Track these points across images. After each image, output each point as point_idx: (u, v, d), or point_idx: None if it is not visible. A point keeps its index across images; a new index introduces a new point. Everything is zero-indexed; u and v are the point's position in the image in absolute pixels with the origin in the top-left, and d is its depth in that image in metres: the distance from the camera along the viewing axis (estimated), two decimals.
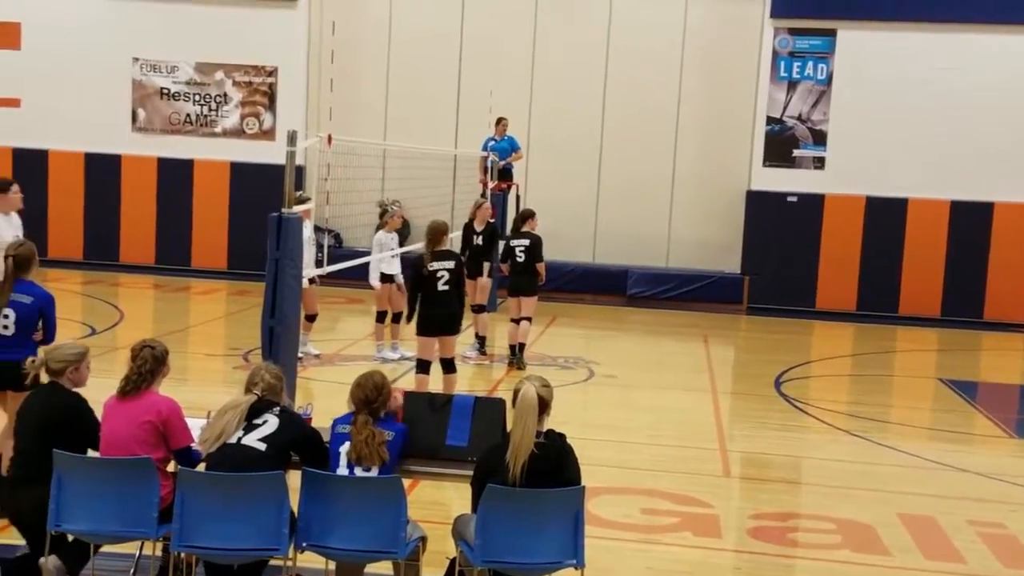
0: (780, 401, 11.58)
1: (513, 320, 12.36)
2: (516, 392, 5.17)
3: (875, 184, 17.95)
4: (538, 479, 5.02)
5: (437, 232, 9.45)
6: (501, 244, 13.10)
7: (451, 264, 9.36)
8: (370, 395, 5.33)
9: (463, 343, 11.83)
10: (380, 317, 12.45)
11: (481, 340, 12.92)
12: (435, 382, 9.57)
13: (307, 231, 10.51)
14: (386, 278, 12.23)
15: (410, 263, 9.74)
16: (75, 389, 5.66)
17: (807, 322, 17.51)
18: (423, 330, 9.46)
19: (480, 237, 13.17)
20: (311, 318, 11.87)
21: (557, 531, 5.07)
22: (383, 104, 19.54)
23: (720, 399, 11.67)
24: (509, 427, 5.25)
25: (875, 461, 9.55)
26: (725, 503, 7.96)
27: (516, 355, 12.25)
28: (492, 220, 13.61)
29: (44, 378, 5.77)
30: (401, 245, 17.44)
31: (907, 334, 16.96)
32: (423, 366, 9.56)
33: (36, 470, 5.32)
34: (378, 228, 12.79)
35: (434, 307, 9.34)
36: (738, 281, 18.55)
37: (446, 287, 9.32)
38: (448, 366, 9.67)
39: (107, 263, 19.18)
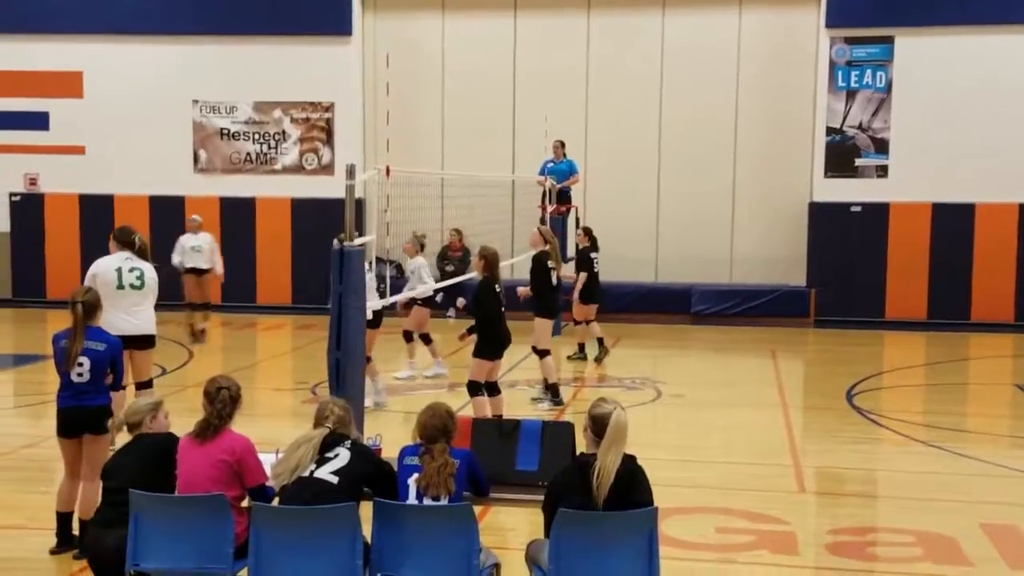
0: (853, 414, 11.39)
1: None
2: (600, 417, 5.11)
3: (940, 190, 17.66)
4: (612, 502, 4.98)
5: (497, 258, 9.59)
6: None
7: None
8: (447, 424, 5.34)
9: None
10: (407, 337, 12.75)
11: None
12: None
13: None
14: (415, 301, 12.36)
15: (471, 288, 9.75)
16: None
17: (877, 333, 17.24)
18: (491, 353, 9.51)
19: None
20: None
21: (631, 553, 5.02)
22: (439, 133, 19.68)
23: (791, 414, 11.50)
24: (579, 449, 5.22)
25: (953, 471, 9.33)
26: (801, 519, 7.83)
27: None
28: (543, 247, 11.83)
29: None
30: (463, 272, 17.58)
31: (980, 341, 16.60)
32: (480, 388, 9.55)
33: (124, 512, 5.41)
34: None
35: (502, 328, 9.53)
36: (804, 294, 18.33)
37: (503, 309, 9.52)
38: (495, 388, 9.73)
39: (173, 303, 19.46)
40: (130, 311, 8.78)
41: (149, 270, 9.03)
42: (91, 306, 6.80)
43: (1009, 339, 16.56)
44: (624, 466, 5.07)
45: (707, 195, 18.97)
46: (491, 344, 9.50)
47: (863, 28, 17.97)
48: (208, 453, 5.45)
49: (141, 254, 9.01)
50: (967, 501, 8.41)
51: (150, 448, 5.75)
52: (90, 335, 6.72)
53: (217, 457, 5.43)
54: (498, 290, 9.49)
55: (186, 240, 15.78)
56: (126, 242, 8.99)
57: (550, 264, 11.52)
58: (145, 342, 8.99)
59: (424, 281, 12.02)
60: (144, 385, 9.14)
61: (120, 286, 8.77)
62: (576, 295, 14.20)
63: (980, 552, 7.08)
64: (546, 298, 11.57)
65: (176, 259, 15.56)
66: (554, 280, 11.64)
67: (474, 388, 9.57)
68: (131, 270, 8.88)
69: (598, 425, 5.09)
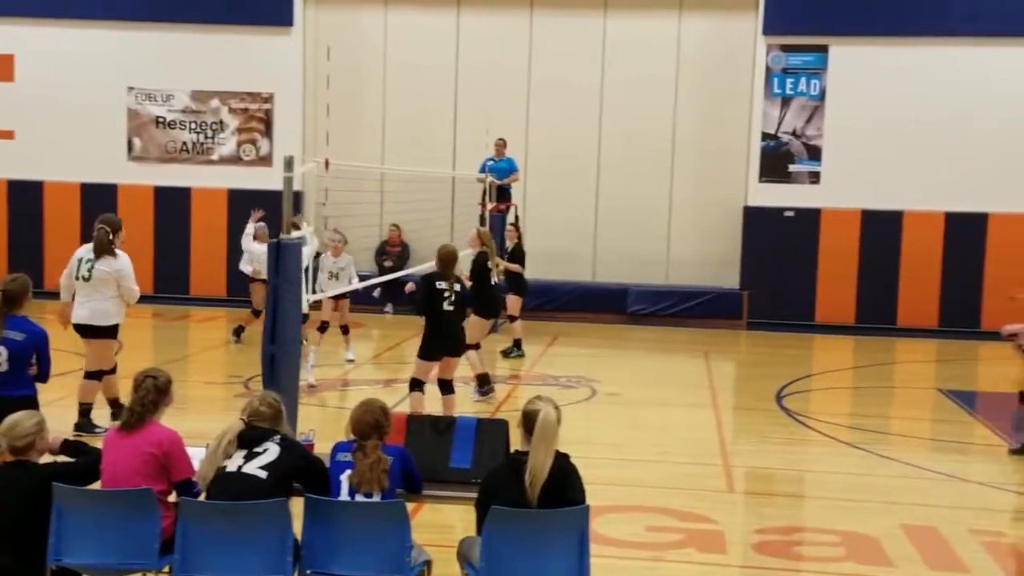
0: (782, 415, 11.58)
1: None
2: (531, 414, 5.14)
3: (870, 197, 18.00)
4: (545, 500, 5.03)
5: (452, 257, 9.58)
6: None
7: (457, 287, 9.53)
8: (380, 419, 5.33)
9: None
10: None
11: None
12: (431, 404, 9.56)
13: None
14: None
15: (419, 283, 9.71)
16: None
17: (807, 336, 17.52)
18: (430, 353, 9.48)
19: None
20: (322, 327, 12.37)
21: (562, 551, 5.07)
22: (380, 128, 19.59)
23: (722, 414, 11.67)
24: (513, 447, 5.25)
25: (877, 473, 9.54)
26: (730, 519, 7.95)
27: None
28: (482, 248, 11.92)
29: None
30: (401, 268, 17.55)
31: (906, 345, 16.96)
32: (420, 384, 9.55)
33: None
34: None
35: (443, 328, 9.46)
36: (737, 296, 18.57)
37: (451, 308, 9.45)
38: (448, 387, 9.69)
39: None
40: (81, 301, 9.33)
41: (103, 263, 9.26)
42: (12, 295, 6.67)
43: (933, 344, 16.94)
44: (557, 464, 5.11)
45: (645, 196, 19.12)
46: (431, 344, 9.47)
47: (799, 36, 18.22)
48: (134, 445, 5.36)
49: (98, 246, 9.34)
50: (889, 502, 8.60)
51: (35, 479, 5.24)
52: (10, 324, 6.60)
53: (144, 450, 5.34)
54: (440, 288, 9.42)
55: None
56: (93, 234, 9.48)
57: (489, 265, 11.56)
58: (91, 332, 9.38)
59: (353, 278, 12.53)
60: (90, 375, 9.56)
61: (78, 277, 9.33)
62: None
63: (901, 552, 7.26)
64: (485, 299, 11.54)
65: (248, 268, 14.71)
66: (493, 280, 11.71)
67: (414, 384, 9.55)
68: (87, 261, 9.32)
69: (529, 422, 5.13)
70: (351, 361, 13.52)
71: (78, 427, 9.33)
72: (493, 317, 12.23)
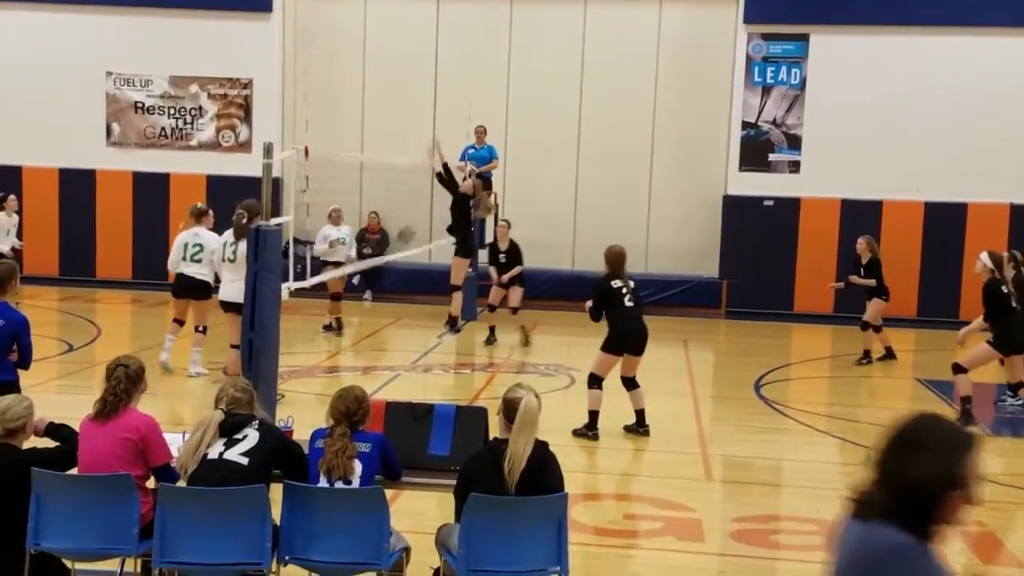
0: (760, 404, 11.64)
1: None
2: (512, 401, 5.15)
3: (850, 187, 18.07)
4: (524, 487, 5.03)
5: (622, 256, 9.90)
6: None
7: (632, 283, 9.84)
8: (351, 407, 5.32)
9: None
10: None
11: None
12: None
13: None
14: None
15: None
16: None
17: (785, 325, 17.60)
18: (614, 348, 9.74)
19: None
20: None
21: (541, 538, 5.08)
22: (360, 115, 19.53)
23: (701, 403, 11.71)
24: (492, 435, 5.25)
25: (853, 461, 9.59)
26: (708, 507, 7.99)
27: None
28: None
29: None
30: (381, 255, 17.53)
31: (884, 335, 17.03)
32: (598, 381, 9.76)
33: None
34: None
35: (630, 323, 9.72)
36: (716, 285, 18.62)
37: (631, 303, 9.69)
38: (632, 383, 9.89)
39: (83, 279, 19.08)
40: (229, 279, 10.51)
41: (243, 244, 9.70)
42: None
43: (912, 334, 17.03)
44: (536, 452, 5.12)
45: (625, 184, 19.15)
46: (614, 339, 9.68)
47: (780, 25, 18.26)
48: (110, 432, 5.33)
49: (237, 229, 10.32)
50: None
51: (15, 464, 5.26)
52: None
53: (121, 436, 5.31)
54: (616, 287, 9.64)
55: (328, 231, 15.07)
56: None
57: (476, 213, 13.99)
58: (236, 308, 9.56)
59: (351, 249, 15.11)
60: (236, 346, 10.24)
61: (224, 258, 10.73)
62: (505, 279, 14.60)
63: None
64: (466, 241, 13.57)
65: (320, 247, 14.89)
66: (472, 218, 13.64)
67: (593, 380, 9.73)
68: (231, 244, 10.55)
69: (510, 410, 5.13)
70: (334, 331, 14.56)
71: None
72: (469, 257, 14.04)
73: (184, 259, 11.56)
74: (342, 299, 14.79)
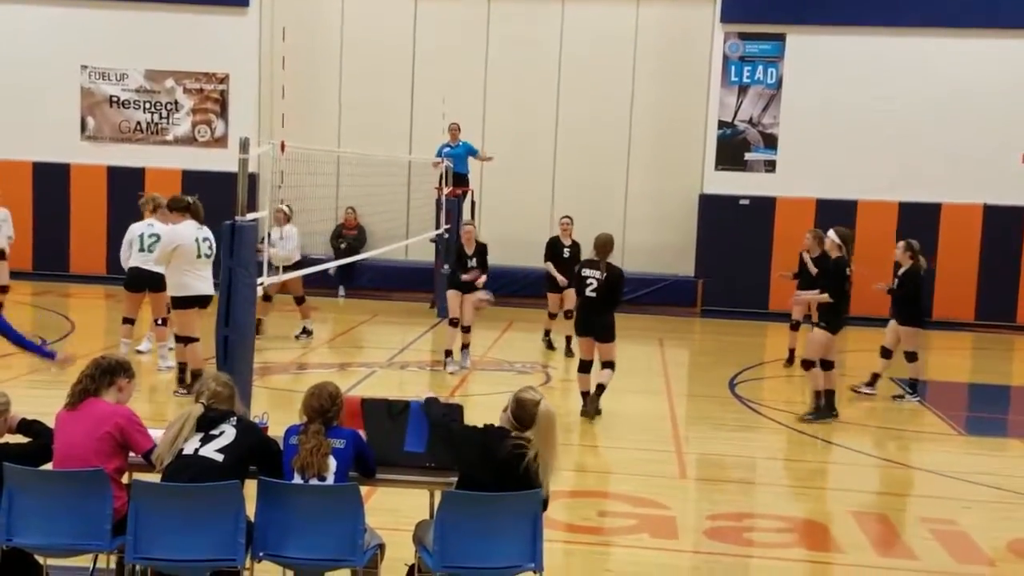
0: (734, 402, 11.69)
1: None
2: (526, 403, 5.20)
3: (825, 187, 18.17)
4: (502, 482, 5.05)
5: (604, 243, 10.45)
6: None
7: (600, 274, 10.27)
8: (325, 404, 5.31)
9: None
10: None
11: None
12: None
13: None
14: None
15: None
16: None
17: (760, 324, 17.67)
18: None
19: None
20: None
21: (516, 535, 5.09)
22: (337, 110, 19.47)
23: (676, 401, 11.75)
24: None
25: (826, 460, 9.67)
26: (682, 505, 8.02)
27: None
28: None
29: None
30: (357, 251, 17.50)
31: (858, 334, 17.06)
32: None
33: None
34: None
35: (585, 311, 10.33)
36: (692, 284, 18.68)
37: (593, 294, 10.20)
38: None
39: (57, 273, 18.94)
40: (205, 276, 10.42)
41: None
42: None
43: (883, 333, 17.12)
44: (517, 447, 5.13)
45: (601, 182, 19.18)
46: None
47: (756, 24, 18.34)
48: (87, 426, 5.30)
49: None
50: (839, 489, 8.72)
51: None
52: None
53: (100, 430, 5.28)
54: (584, 275, 10.31)
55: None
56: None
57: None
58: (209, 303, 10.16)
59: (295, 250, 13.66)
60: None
61: (199, 255, 10.32)
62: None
63: (850, 539, 7.36)
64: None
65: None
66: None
67: (580, 366, 10.58)
68: (205, 240, 10.35)
69: (522, 409, 5.19)
70: (305, 334, 13.98)
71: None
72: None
73: (142, 250, 11.38)
74: (305, 301, 14.00)
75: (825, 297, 10.66)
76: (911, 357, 11.82)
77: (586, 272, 10.36)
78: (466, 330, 12.50)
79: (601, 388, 10.44)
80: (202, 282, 10.41)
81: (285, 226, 13.45)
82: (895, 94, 17.98)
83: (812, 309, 13.08)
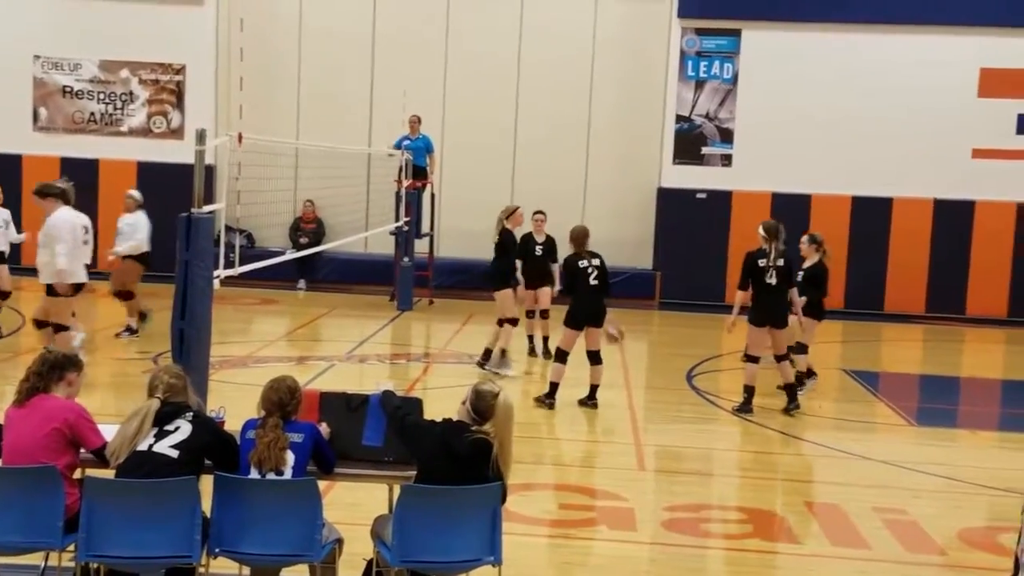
0: (692, 394, 11.77)
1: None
2: (485, 394, 5.22)
3: (780, 180, 18.33)
4: (462, 474, 5.06)
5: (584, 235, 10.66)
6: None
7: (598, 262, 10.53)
8: (284, 398, 5.28)
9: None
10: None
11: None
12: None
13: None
14: None
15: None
16: None
17: (718, 316, 17.71)
18: (573, 323, 10.42)
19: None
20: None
21: (475, 528, 5.10)
22: (295, 102, 19.34)
23: (634, 393, 11.81)
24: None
25: (783, 451, 9.76)
26: (640, 496, 8.07)
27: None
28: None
29: None
30: (317, 244, 17.41)
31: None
32: (564, 356, 10.48)
33: None
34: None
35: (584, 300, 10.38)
36: (650, 277, 18.77)
37: (596, 282, 10.37)
38: (595, 358, 10.51)
39: (11, 267, 18.65)
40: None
41: None
42: None
43: (839, 326, 17.30)
44: (478, 442, 5.13)
45: (561, 176, 19.20)
46: (572, 314, 10.43)
47: (713, 20, 18.45)
48: (36, 421, 5.23)
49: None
50: (794, 480, 8.81)
51: None
52: None
53: (50, 425, 5.21)
54: (583, 266, 10.40)
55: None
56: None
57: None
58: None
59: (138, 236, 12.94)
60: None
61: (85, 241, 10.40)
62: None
63: (805, 529, 7.45)
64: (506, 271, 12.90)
65: None
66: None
67: (559, 355, 10.52)
68: (83, 227, 10.33)
69: (481, 401, 5.20)
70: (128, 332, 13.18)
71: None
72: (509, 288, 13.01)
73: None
74: (134, 297, 13.28)
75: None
76: (801, 349, 11.69)
77: (583, 264, 10.50)
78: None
79: (597, 386, 10.73)
80: (83, 269, 10.42)
81: (136, 213, 13.08)
82: (849, 89, 18.16)
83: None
